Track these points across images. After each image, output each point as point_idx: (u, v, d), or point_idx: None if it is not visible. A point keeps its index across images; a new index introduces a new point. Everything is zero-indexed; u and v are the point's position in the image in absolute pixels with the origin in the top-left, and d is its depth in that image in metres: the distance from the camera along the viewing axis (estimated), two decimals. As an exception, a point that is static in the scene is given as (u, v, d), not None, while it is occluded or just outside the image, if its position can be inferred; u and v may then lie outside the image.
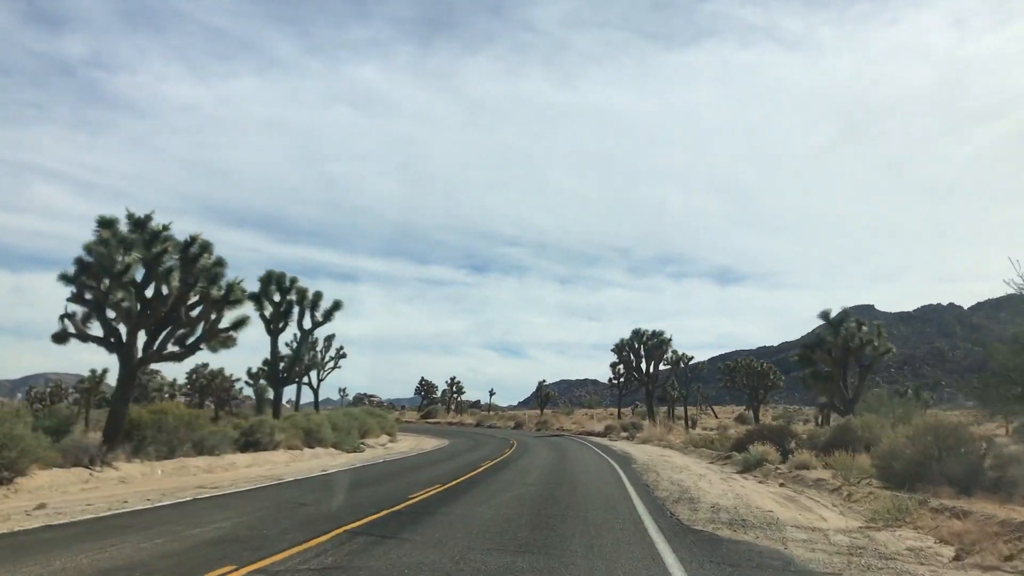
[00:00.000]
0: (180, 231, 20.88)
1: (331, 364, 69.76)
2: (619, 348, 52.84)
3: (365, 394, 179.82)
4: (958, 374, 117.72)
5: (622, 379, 73.74)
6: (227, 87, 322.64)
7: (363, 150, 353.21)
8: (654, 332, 52.46)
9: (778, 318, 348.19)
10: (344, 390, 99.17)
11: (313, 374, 64.83)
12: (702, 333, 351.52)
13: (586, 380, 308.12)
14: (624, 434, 51.90)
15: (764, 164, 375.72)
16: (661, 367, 53.40)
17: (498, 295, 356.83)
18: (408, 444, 44.26)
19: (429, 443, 45.53)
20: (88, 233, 19.80)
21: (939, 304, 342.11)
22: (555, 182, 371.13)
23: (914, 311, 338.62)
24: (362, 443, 37.81)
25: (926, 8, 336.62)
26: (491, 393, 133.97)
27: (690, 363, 63.57)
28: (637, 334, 52.66)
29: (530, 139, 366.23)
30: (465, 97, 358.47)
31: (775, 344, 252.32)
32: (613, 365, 76.03)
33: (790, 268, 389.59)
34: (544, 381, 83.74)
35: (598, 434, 56.38)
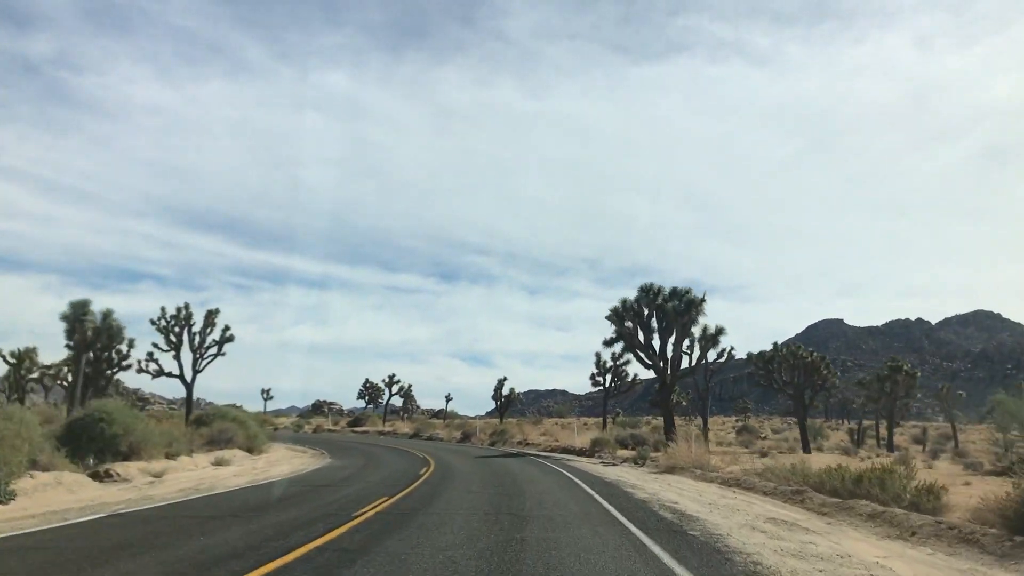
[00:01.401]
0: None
1: (213, 349, 49.68)
2: (617, 316, 32.06)
3: (325, 401, 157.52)
4: (927, 388, 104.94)
5: (619, 367, 53.39)
6: (195, 90, 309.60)
7: (332, 155, 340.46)
8: (676, 290, 31.81)
9: (746, 331, 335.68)
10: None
11: (187, 357, 47.63)
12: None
13: (555, 391, 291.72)
14: (627, 453, 31.70)
15: (732, 177, 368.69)
16: (685, 348, 32.37)
17: (466, 304, 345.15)
18: (231, 471, 23.82)
19: (280, 469, 25.43)
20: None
21: (907, 319, 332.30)
22: (524, 191, 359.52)
23: (882, 326, 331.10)
24: (110, 472, 17.11)
25: (891, 28, 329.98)
26: (448, 399, 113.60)
27: (729, 352, 40.78)
28: (649, 293, 31.94)
29: (500, 148, 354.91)
30: (435, 105, 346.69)
31: (742, 357, 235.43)
32: (601, 358, 55.78)
33: (757, 281, 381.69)
34: (505, 379, 63.51)
35: (580, 452, 36.06)
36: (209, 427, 32.59)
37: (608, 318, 33.00)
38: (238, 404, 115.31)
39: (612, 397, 56.92)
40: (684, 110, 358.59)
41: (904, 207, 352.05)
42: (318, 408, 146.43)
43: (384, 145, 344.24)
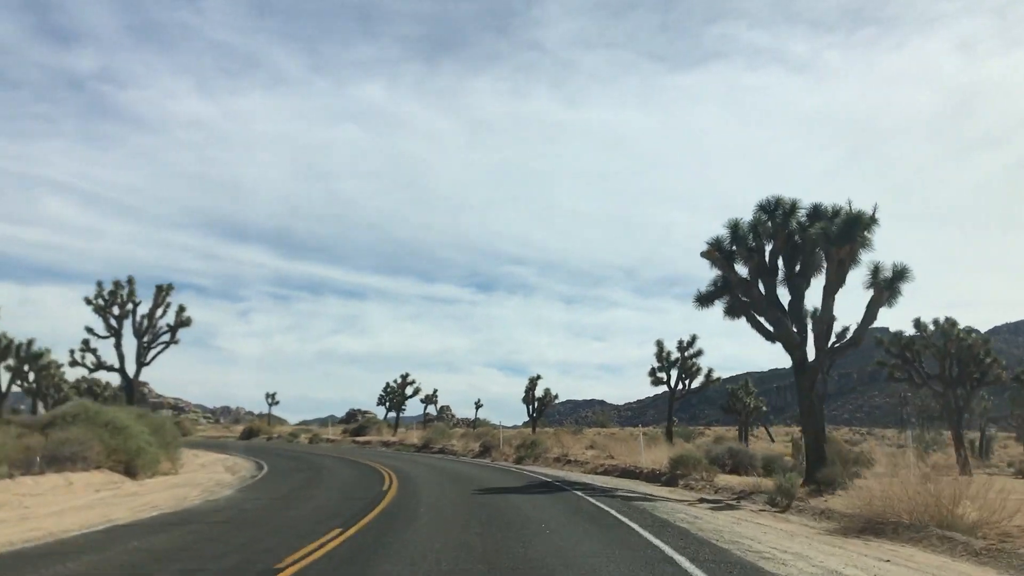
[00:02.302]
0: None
1: (166, 335, 38.39)
2: (722, 253, 18.12)
3: (359, 410, 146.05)
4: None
5: (688, 360, 39.86)
6: (234, 103, 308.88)
7: (369, 167, 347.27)
8: (819, 208, 17.83)
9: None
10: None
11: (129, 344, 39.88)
12: (706, 356, 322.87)
13: (592, 400, 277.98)
14: (732, 480, 17.52)
15: (770, 186, 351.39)
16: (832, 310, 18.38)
17: (503, 314, 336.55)
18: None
19: (119, 513, 12.03)
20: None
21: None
22: (560, 202, 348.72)
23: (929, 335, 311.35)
24: None
25: (932, 33, 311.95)
26: (477, 405, 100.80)
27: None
28: (775, 213, 17.82)
29: (535, 158, 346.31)
30: (470, 116, 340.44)
31: (787, 367, 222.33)
32: (664, 349, 42.10)
33: None
34: (537, 377, 50.00)
35: (651, 477, 22.68)
36: (46, 437, 19.79)
37: (706, 255, 19.46)
38: (277, 416, 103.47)
39: (679, 398, 43.21)
40: (721, 118, 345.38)
41: (944, 217, 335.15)
42: (352, 416, 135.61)
43: (420, 156, 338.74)
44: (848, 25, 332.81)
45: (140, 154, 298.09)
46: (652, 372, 42.46)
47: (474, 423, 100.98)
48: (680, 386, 42.17)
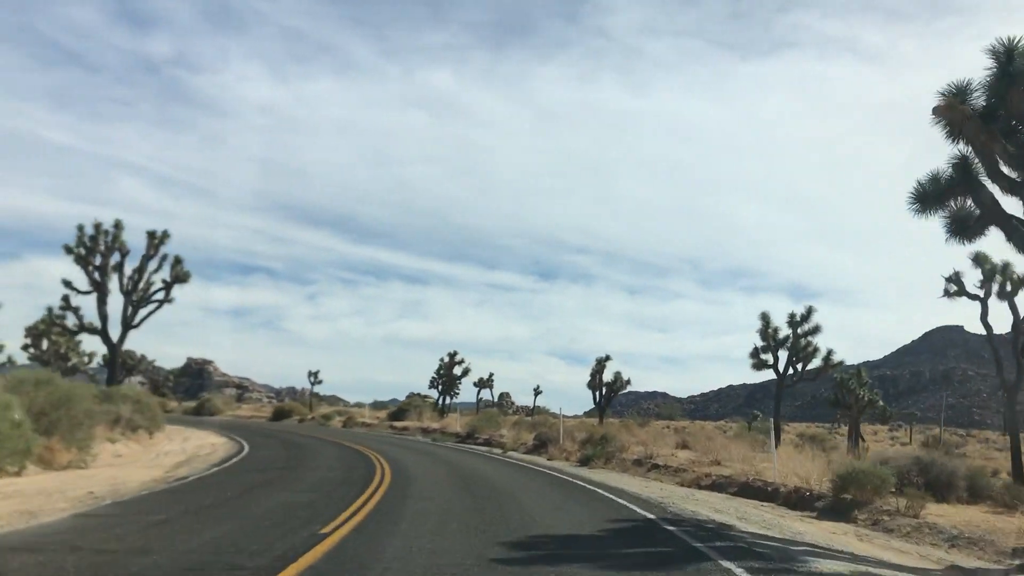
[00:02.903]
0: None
1: (159, 293, 31.67)
2: (954, 116, 10.69)
3: (418, 394, 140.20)
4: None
5: (800, 337, 30.99)
6: (304, 88, 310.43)
7: (433, 154, 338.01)
8: None
9: (854, 337, 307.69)
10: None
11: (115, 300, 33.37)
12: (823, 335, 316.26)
13: (655, 392, 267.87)
14: (945, 516, 9.11)
15: (840, 178, 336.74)
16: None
17: (564, 303, 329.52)
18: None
19: None
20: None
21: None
22: (624, 191, 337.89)
23: (1006, 333, 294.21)
24: None
25: (1016, 22, 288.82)
26: (536, 392, 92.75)
27: None
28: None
29: (599, 146, 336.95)
30: (535, 103, 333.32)
31: (854, 362, 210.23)
32: (770, 324, 33.12)
33: (866, 286, 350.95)
34: (606, 359, 41.36)
35: (795, 498, 14.09)
36: None
37: (940, 112, 10.77)
38: (341, 397, 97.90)
39: (790, 385, 34.01)
40: (791, 108, 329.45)
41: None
42: (418, 399, 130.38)
43: (484, 144, 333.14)
44: (926, 15, 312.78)
45: (212, 138, 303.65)
46: (754, 353, 33.43)
47: (532, 411, 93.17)
48: (791, 371, 33.03)
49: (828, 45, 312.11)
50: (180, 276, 35.03)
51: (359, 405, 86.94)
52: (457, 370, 61.65)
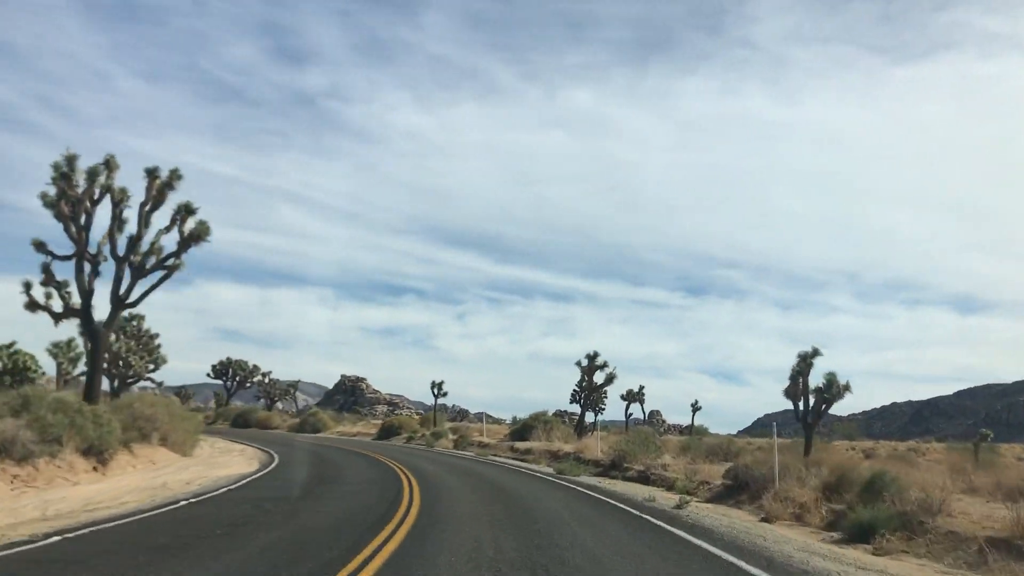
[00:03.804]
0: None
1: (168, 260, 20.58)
2: None
3: (564, 411, 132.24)
4: None
5: None
6: (448, 114, 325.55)
7: (575, 172, 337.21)
8: None
9: None
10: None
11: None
12: (936, 365, 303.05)
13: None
14: None
15: (1007, 184, 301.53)
16: None
17: (715, 319, 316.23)
18: None
19: None
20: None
21: None
22: (774, 203, 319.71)
23: None
24: None
25: None
26: (695, 408, 79.24)
27: None
28: None
29: (746, 158, 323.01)
30: (678, 117, 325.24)
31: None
32: None
33: None
34: (814, 353, 27.84)
35: None
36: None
37: None
38: (490, 414, 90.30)
39: None
40: (951, 112, 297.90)
41: None
42: (559, 417, 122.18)
43: (627, 159, 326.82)
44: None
45: (363, 165, 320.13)
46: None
47: (690, 430, 78.97)
48: None
49: (990, 43, 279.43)
50: (196, 234, 24.56)
51: (496, 422, 75.78)
52: (599, 377, 48.74)
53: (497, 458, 34.20)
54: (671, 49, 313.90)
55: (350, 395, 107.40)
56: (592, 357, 48.50)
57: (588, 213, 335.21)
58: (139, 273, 24.08)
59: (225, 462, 24.69)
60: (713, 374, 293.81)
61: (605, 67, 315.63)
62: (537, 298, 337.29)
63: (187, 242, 24.55)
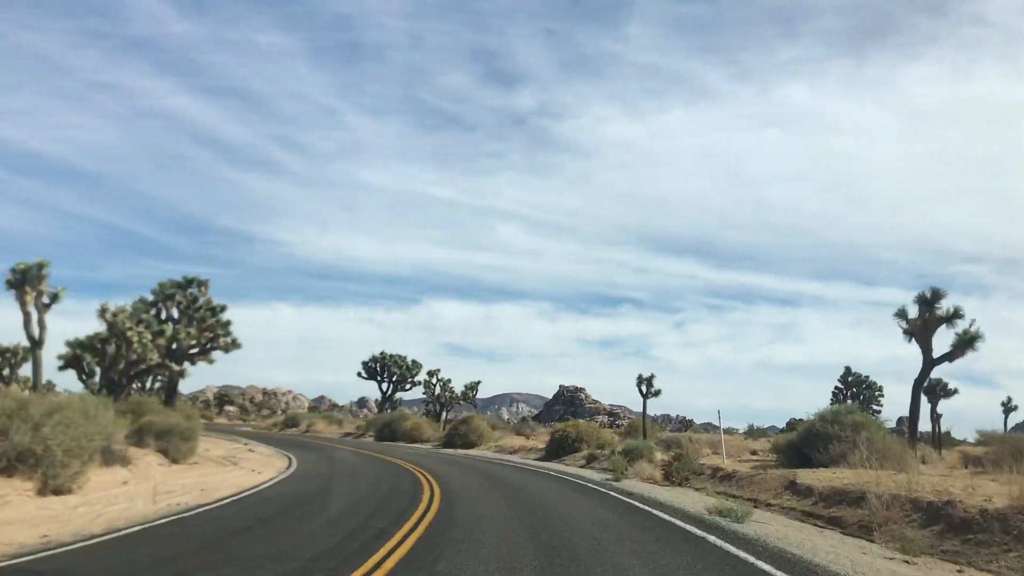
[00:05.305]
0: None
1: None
2: None
3: (799, 419, 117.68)
4: None
5: None
6: (658, 121, 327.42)
7: (794, 170, 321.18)
8: None
9: None
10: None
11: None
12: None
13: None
14: None
15: None
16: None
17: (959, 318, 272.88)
18: None
19: None
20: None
21: None
22: (1020, 190, 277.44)
23: None
24: None
25: None
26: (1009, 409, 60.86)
27: None
28: None
29: (984, 143, 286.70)
30: (903, 105, 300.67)
31: None
32: None
33: None
34: None
35: None
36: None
37: None
38: (714, 423, 76.52)
39: None
40: None
41: None
42: (791, 427, 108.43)
43: (850, 154, 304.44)
44: None
45: (576, 179, 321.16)
46: None
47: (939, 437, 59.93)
48: None
49: None
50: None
51: (729, 431, 58.85)
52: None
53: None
54: (892, 35, 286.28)
55: (569, 405, 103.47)
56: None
57: (810, 212, 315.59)
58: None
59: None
60: (960, 378, 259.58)
61: (820, 60, 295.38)
62: (759, 303, 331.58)
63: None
